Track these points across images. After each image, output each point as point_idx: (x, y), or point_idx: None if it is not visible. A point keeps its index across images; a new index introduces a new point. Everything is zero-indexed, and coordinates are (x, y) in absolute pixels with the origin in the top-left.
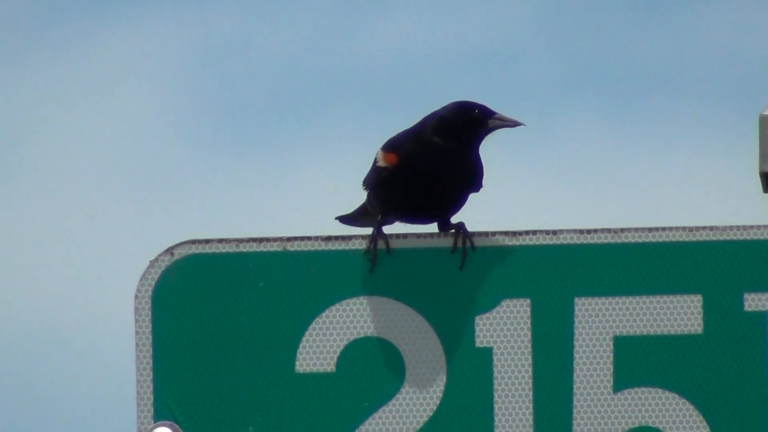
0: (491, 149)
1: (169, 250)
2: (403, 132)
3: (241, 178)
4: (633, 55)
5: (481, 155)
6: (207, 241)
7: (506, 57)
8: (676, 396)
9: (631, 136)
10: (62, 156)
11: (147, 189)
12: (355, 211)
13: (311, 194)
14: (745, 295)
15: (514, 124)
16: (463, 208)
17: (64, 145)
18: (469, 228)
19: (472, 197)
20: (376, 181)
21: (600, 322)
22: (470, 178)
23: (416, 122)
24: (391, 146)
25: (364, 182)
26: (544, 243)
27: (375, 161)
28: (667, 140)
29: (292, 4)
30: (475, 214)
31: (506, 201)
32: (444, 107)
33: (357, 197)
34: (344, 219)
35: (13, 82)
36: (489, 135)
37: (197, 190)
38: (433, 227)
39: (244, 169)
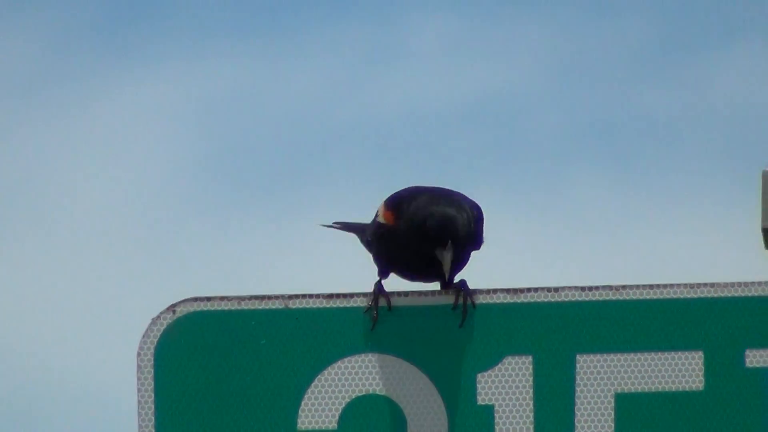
0: (493, 203)
1: (171, 308)
2: (408, 190)
3: (244, 236)
4: (641, 110)
5: (482, 213)
6: (209, 299)
7: (513, 111)
8: None
9: (633, 192)
10: (65, 213)
11: (149, 246)
12: (353, 223)
13: (313, 251)
14: (747, 352)
15: (445, 273)
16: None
17: (67, 201)
18: (471, 285)
19: (473, 254)
20: (375, 235)
21: (602, 378)
22: (469, 242)
23: (427, 186)
24: (393, 205)
25: (365, 234)
26: (546, 300)
27: (376, 215)
28: (669, 196)
29: (299, 58)
30: (477, 271)
31: (508, 258)
32: (443, 198)
33: (361, 253)
34: (339, 225)
35: (19, 138)
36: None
37: (199, 248)
38: (435, 285)
39: (246, 226)
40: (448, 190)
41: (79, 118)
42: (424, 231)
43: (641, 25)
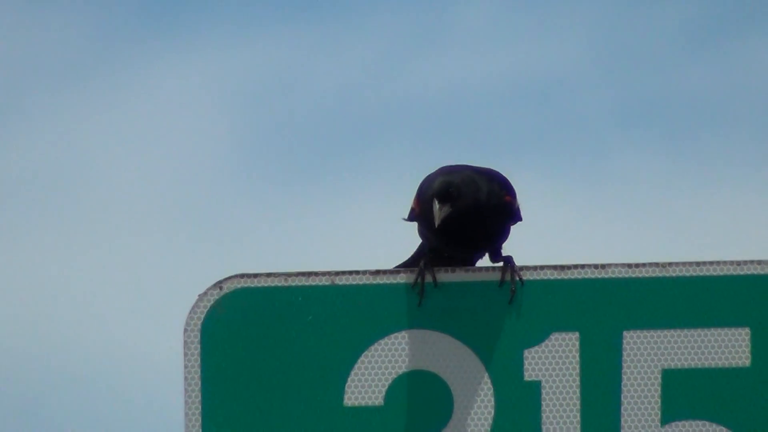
0: (541, 182)
1: (218, 284)
2: (440, 169)
3: (290, 213)
4: (687, 89)
5: (513, 188)
6: (255, 275)
7: (560, 91)
8: (724, 429)
9: (681, 170)
10: (113, 192)
11: (196, 223)
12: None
13: (360, 228)
14: None
15: (434, 220)
16: (511, 241)
17: (116, 181)
18: (517, 262)
19: (521, 231)
20: (407, 219)
21: (648, 355)
22: (493, 222)
23: (458, 165)
24: (418, 190)
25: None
26: (593, 277)
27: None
28: (718, 174)
29: (344, 40)
30: (524, 247)
31: (555, 235)
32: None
33: (405, 231)
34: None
35: (66, 122)
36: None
37: (246, 224)
38: (481, 260)
39: (293, 203)
40: (464, 165)
41: (126, 101)
42: (428, 196)
43: (687, 6)
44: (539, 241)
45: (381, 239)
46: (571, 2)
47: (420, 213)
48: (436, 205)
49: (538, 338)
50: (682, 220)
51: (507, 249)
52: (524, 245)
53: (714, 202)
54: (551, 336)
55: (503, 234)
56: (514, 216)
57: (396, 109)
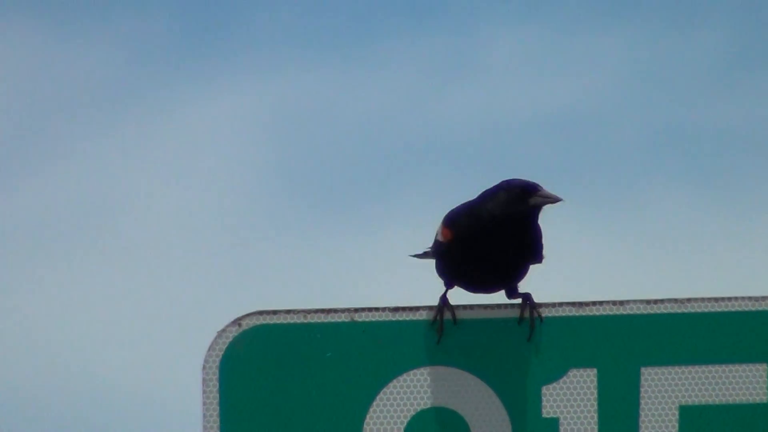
0: (565, 216)
1: (237, 321)
2: (461, 205)
3: (310, 249)
4: (714, 123)
5: (540, 226)
6: (275, 312)
7: (591, 123)
8: None
9: (708, 205)
10: (138, 222)
11: (216, 259)
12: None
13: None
14: None
15: (553, 200)
16: (528, 278)
17: (140, 211)
18: (535, 299)
19: (538, 269)
20: (437, 253)
21: (666, 391)
22: (525, 250)
23: (476, 196)
24: (448, 221)
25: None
26: (611, 313)
27: (436, 234)
28: (740, 206)
29: (376, 70)
30: (541, 284)
31: (572, 271)
32: (495, 185)
33: (424, 267)
34: (418, 256)
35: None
36: (546, 207)
37: (266, 260)
38: (499, 298)
39: (312, 239)
40: None
41: (155, 129)
42: (511, 192)
43: (719, 37)
44: (556, 278)
45: (401, 275)
46: (604, 32)
47: (452, 240)
48: (543, 191)
49: (556, 375)
50: (702, 254)
51: (525, 287)
52: (541, 282)
53: (742, 236)
54: (569, 372)
55: (524, 273)
56: (539, 255)
57: (427, 142)
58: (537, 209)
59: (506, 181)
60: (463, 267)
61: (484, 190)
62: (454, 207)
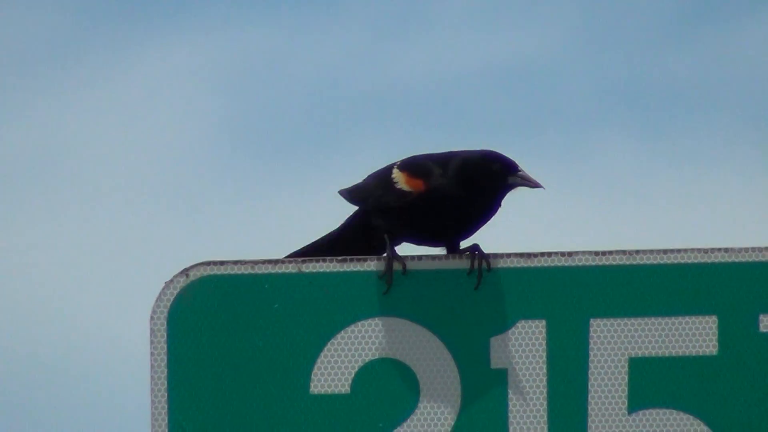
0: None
1: (184, 272)
2: (424, 157)
3: (258, 199)
4: (664, 76)
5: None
6: (222, 263)
7: (539, 76)
8: (691, 417)
9: (653, 157)
10: (85, 177)
11: (162, 209)
12: (306, 247)
13: (328, 216)
14: (761, 317)
15: (534, 185)
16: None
17: (87, 166)
18: (484, 250)
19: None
20: (394, 202)
21: (615, 343)
22: (485, 218)
23: (441, 152)
24: (418, 172)
25: (364, 200)
26: (559, 265)
27: (392, 182)
28: (690, 161)
29: (324, 24)
30: (490, 235)
31: (521, 222)
32: (471, 151)
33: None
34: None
35: (46, 105)
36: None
37: (213, 211)
38: (441, 250)
39: (261, 190)
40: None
41: (101, 86)
42: (489, 167)
43: None
44: (505, 229)
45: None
46: None
47: (423, 191)
48: (523, 174)
49: (505, 326)
50: (651, 206)
51: (474, 237)
52: (490, 233)
53: (684, 187)
54: (518, 324)
55: (474, 232)
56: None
57: (375, 95)
58: (512, 187)
59: (487, 151)
60: (422, 220)
61: (452, 149)
62: (409, 157)
